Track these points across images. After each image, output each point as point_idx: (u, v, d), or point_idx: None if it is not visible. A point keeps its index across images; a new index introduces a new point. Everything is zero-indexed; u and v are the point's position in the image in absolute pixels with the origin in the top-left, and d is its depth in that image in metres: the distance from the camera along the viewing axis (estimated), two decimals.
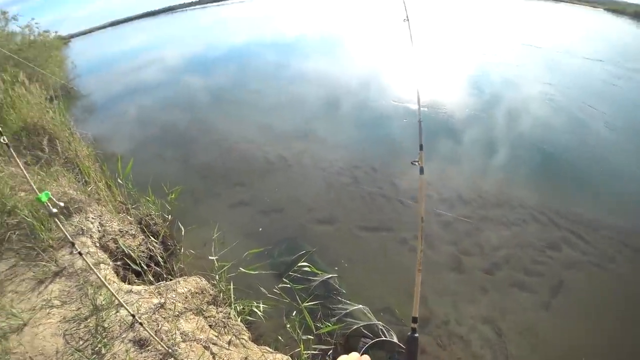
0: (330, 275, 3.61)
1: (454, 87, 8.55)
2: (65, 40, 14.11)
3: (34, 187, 1.75)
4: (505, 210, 4.65)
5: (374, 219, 4.57)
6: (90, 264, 1.72)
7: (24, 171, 1.69)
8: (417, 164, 1.61)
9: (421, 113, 1.98)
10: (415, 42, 2.28)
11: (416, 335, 1.09)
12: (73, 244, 1.65)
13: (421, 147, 1.64)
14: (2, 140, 1.52)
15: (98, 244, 3.20)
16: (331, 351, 2.88)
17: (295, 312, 2.99)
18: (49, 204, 1.59)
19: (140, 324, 1.71)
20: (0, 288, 2.70)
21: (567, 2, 26.57)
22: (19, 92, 5.32)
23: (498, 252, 4.12)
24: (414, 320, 1.20)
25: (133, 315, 1.69)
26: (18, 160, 1.65)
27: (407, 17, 2.29)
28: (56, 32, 12.09)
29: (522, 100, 7.74)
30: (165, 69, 11.51)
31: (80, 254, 1.59)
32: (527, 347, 3.26)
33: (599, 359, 2.47)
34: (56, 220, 1.61)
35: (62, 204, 1.62)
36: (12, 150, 1.64)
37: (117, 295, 1.82)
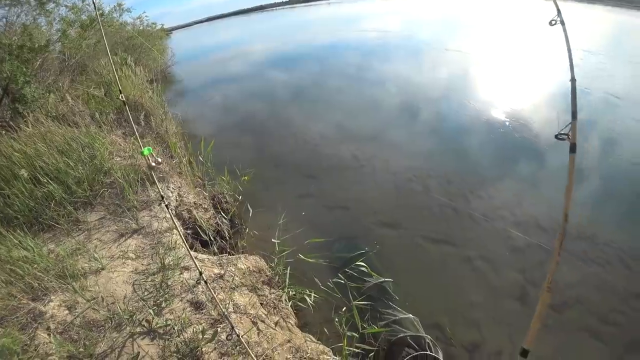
0: (386, 280, 3.55)
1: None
2: (168, 32, 15.57)
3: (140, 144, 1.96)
4: (587, 245, 4.18)
5: (440, 231, 4.39)
6: (172, 217, 1.88)
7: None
8: (565, 138, 1.21)
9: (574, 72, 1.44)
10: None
11: None
12: (162, 197, 1.83)
13: (574, 116, 1.23)
14: (120, 98, 1.75)
15: (174, 212, 3.49)
16: (372, 354, 2.83)
17: (344, 308, 3.00)
18: (149, 158, 1.78)
19: (205, 282, 1.83)
20: (89, 234, 3.07)
21: None
22: (126, 73, 6.01)
23: (572, 290, 3.72)
24: (524, 353, 0.87)
25: (201, 273, 1.82)
26: (131, 125, 1.87)
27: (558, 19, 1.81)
28: (162, 24, 13.42)
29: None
30: (251, 63, 12.18)
31: (167, 206, 1.76)
32: None
33: None
34: (151, 172, 1.80)
35: (160, 160, 1.80)
36: (127, 108, 1.87)
37: (191, 254, 1.96)
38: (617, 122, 6.94)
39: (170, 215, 1.99)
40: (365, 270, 3.01)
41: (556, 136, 1.23)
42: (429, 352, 2.93)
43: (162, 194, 1.85)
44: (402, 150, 6.09)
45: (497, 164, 5.73)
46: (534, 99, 8.03)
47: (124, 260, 2.82)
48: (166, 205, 1.77)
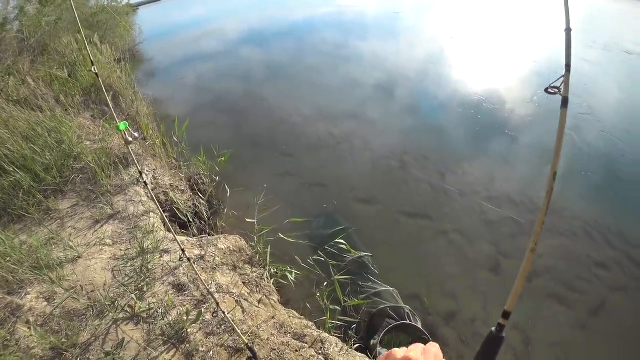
0: (365, 254, 3.63)
1: None
2: (135, 7, 14.78)
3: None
4: (556, 218, 4.39)
5: (417, 206, 4.50)
6: (151, 192, 1.85)
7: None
8: (557, 91, 1.13)
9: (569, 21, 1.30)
10: None
11: (503, 335, 0.81)
12: (141, 174, 1.79)
13: (567, 68, 1.15)
14: (93, 70, 1.69)
15: (150, 195, 3.43)
16: (355, 325, 2.93)
17: (325, 283, 3.06)
18: (125, 132, 1.73)
19: (189, 259, 1.82)
20: (62, 223, 2.99)
21: None
22: (92, 51, 5.71)
23: (541, 260, 3.93)
24: (505, 314, 0.88)
25: (183, 251, 1.80)
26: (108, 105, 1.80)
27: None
28: (128, 0, 12.75)
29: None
30: (225, 40, 11.77)
31: (145, 184, 1.73)
32: None
33: None
34: (129, 149, 1.74)
35: (136, 135, 1.74)
36: (100, 81, 1.81)
37: (173, 233, 1.93)
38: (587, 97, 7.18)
39: (151, 195, 1.95)
40: (345, 247, 3.06)
41: (546, 90, 1.17)
42: (408, 322, 3.05)
43: (139, 169, 1.80)
44: (379, 127, 6.13)
45: (472, 141, 5.86)
46: (513, 71, 8.19)
47: (101, 247, 2.77)
48: (145, 183, 1.72)
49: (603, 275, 3.81)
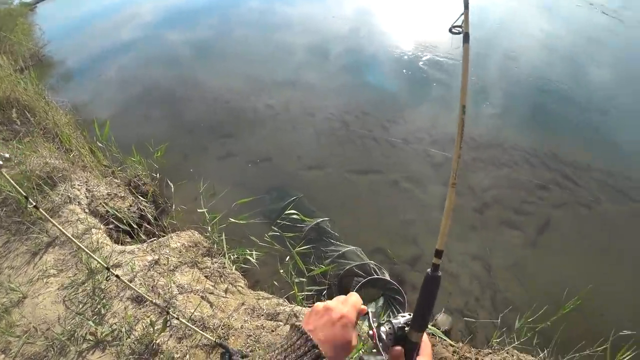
0: (322, 219, 3.66)
1: None
2: (31, 6, 13.27)
3: None
4: (497, 152, 4.64)
5: (365, 162, 4.56)
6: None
7: None
8: (459, 30, 1.12)
9: None
10: None
11: (438, 274, 0.80)
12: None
13: (466, 6, 1.14)
14: None
15: (87, 210, 3.21)
16: (325, 291, 2.99)
17: (288, 257, 3.07)
18: None
19: (117, 276, 1.71)
20: None
21: None
22: None
23: (489, 192, 4.17)
24: (438, 253, 0.86)
25: (108, 268, 1.69)
26: None
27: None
28: None
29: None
30: (143, 25, 10.83)
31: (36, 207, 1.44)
32: (514, 281, 3.43)
33: (583, 289, 2.57)
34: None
35: (7, 155, 1.55)
36: None
37: (83, 246, 1.76)
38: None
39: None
40: (298, 217, 3.05)
41: (450, 30, 1.14)
42: (376, 276, 3.16)
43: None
44: (315, 91, 6.04)
45: (409, 91, 5.97)
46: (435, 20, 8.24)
47: (45, 279, 2.59)
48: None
49: (545, 195, 4.15)
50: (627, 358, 2.16)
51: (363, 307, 0.72)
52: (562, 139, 4.88)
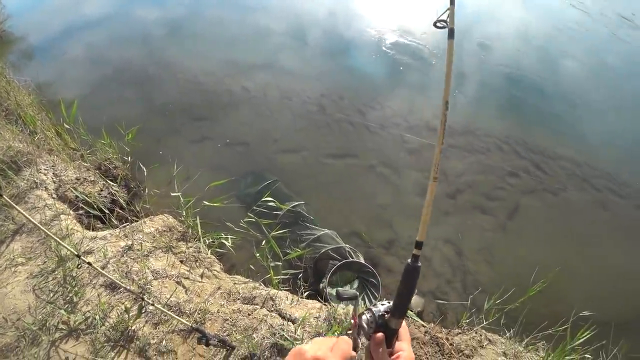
0: (298, 203, 3.68)
1: None
2: None
3: None
4: (472, 139, 4.75)
5: (341, 147, 4.58)
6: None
7: None
8: (445, 24, 1.13)
9: None
10: None
11: (418, 264, 0.80)
12: None
13: (452, 2, 1.14)
14: None
15: (55, 195, 3.11)
16: (301, 274, 3.03)
17: (264, 241, 3.07)
18: None
19: (89, 263, 1.68)
20: None
21: None
22: None
23: (462, 178, 4.29)
24: (418, 245, 0.86)
25: (78, 256, 1.66)
26: None
27: None
28: None
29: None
30: (110, 0, 10.35)
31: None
32: (484, 264, 3.59)
33: (549, 272, 2.72)
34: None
35: None
36: None
37: (51, 234, 1.73)
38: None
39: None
40: (274, 204, 3.05)
41: (435, 24, 1.16)
42: (351, 259, 3.23)
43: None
44: (292, 75, 5.93)
45: (386, 76, 5.96)
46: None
47: (13, 268, 2.51)
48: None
49: (515, 182, 4.32)
50: (586, 337, 2.28)
51: (353, 353, 0.70)
52: (533, 128, 5.04)
